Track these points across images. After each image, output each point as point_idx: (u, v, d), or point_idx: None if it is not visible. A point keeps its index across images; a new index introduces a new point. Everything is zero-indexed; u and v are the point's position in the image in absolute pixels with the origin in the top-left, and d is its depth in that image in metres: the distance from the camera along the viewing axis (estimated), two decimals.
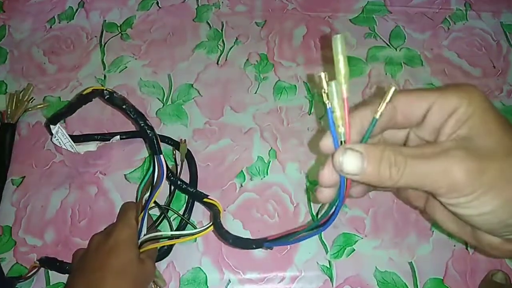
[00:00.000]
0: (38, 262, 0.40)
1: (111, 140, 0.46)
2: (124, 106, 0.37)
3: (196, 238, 0.41)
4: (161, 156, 0.37)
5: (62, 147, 0.44)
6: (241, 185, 0.44)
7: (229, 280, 0.40)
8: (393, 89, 0.23)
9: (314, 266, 0.40)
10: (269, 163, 0.45)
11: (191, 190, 0.41)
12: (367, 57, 0.51)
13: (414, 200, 0.29)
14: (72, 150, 0.44)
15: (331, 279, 0.40)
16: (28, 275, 0.40)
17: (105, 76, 0.51)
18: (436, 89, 0.24)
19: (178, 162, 0.44)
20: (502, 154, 0.22)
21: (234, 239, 0.34)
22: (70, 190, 0.44)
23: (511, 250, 0.25)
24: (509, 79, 0.49)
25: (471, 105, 0.23)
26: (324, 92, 0.22)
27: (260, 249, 0.40)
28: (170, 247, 0.41)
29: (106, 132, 0.47)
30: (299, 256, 0.40)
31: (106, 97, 0.36)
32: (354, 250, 0.41)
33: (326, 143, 0.24)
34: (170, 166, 0.42)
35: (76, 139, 0.45)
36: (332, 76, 0.22)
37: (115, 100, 0.37)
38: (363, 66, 0.50)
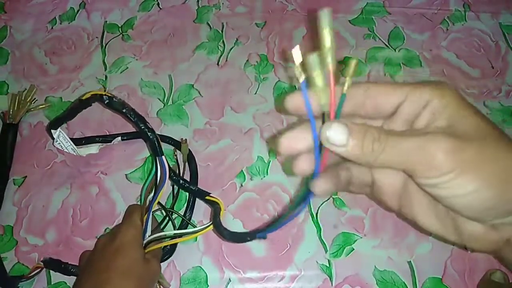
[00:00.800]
0: (42, 263, 0.40)
1: (113, 141, 0.46)
2: (124, 110, 0.37)
3: (197, 237, 0.41)
4: (163, 157, 0.38)
5: (64, 150, 0.44)
6: (241, 185, 0.44)
7: (229, 279, 0.40)
8: (355, 61, 0.23)
9: (314, 265, 0.40)
10: (269, 163, 0.45)
11: (194, 188, 0.42)
12: (366, 57, 0.51)
13: (389, 199, 0.28)
14: (74, 153, 0.45)
15: (331, 278, 0.40)
16: (30, 275, 0.40)
17: (106, 77, 0.51)
18: (409, 83, 0.25)
19: (180, 161, 0.44)
20: (479, 136, 0.22)
21: (229, 234, 0.35)
22: (72, 190, 0.45)
23: (495, 240, 0.24)
24: (507, 79, 0.49)
25: (445, 97, 0.23)
26: (298, 67, 0.22)
27: (260, 248, 0.41)
28: (174, 247, 0.41)
29: (108, 133, 0.47)
30: (298, 255, 0.41)
31: (105, 102, 0.37)
32: (354, 249, 0.41)
33: (293, 100, 0.25)
34: (171, 166, 0.42)
35: (78, 142, 0.45)
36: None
37: (114, 105, 0.37)
38: (362, 66, 0.50)
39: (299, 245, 0.41)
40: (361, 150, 0.23)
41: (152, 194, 0.40)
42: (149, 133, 0.37)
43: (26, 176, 0.46)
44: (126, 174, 0.45)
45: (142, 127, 0.37)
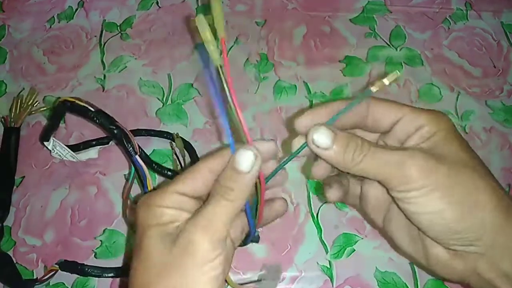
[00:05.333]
0: (57, 266, 0.40)
1: (110, 142, 0.46)
2: (89, 113, 0.36)
3: None
4: (137, 156, 0.37)
5: (64, 158, 0.44)
6: None
7: None
8: (397, 73, 0.24)
9: (314, 266, 0.40)
10: None
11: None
12: (367, 56, 0.51)
13: (373, 213, 0.29)
14: (74, 160, 0.45)
15: (331, 279, 0.40)
16: (45, 278, 0.39)
17: (104, 76, 0.51)
18: (409, 106, 0.26)
19: (179, 156, 0.44)
20: (452, 161, 0.24)
21: None
22: (70, 190, 0.44)
23: (461, 269, 0.25)
24: (509, 78, 0.49)
25: (437, 126, 0.25)
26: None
27: (260, 249, 0.41)
28: None
29: (105, 135, 0.47)
30: (299, 256, 0.40)
31: (68, 107, 0.36)
32: (354, 250, 0.41)
33: (304, 122, 0.27)
34: (172, 160, 0.42)
35: (75, 148, 0.45)
36: None
37: (75, 108, 0.36)
38: (363, 66, 0.50)
39: (299, 246, 0.41)
40: (343, 156, 0.24)
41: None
42: (116, 133, 0.36)
43: (24, 176, 0.45)
44: (124, 174, 0.45)
45: (110, 128, 0.36)
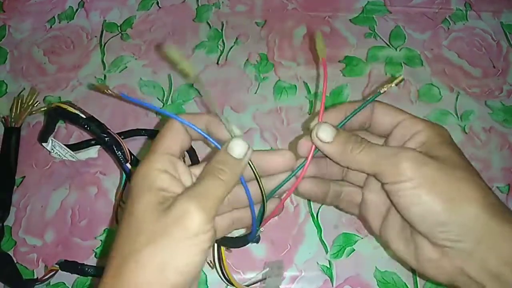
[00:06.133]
0: (57, 266, 0.40)
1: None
2: (80, 121, 0.36)
3: None
4: (127, 164, 0.36)
5: (63, 158, 0.44)
6: None
7: None
8: (402, 77, 0.28)
9: (314, 266, 0.40)
10: None
11: None
12: (367, 57, 0.51)
13: (372, 219, 0.31)
14: (74, 159, 0.45)
15: (331, 279, 0.40)
16: (45, 278, 0.39)
17: (105, 76, 0.51)
18: (409, 113, 0.29)
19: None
20: (444, 160, 0.25)
21: (221, 240, 0.34)
22: (70, 190, 0.44)
23: (449, 269, 0.26)
24: (509, 79, 0.49)
25: (433, 132, 0.27)
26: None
27: (260, 248, 0.41)
28: None
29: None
30: (299, 256, 0.40)
31: (60, 114, 0.36)
32: (354, 250, 0.41)
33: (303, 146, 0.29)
34: None
35: (75, 147, 0.45)
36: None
37: (68, 116, 0.36)
38: (363, 66, 0.50)
39: (299, 246, 0.41)
40: (343, 149, 0.27)
41: None
42: (107, 141, 0.36)
43: (24, 176, 0.46)
44: None
45: (100, 135, 0.36)
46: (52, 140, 0.42)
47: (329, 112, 0.29)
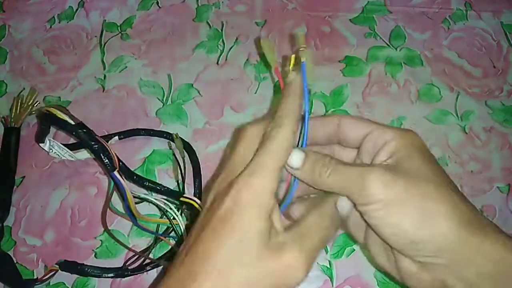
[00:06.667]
0: (57, 266, 0.40)
1: (109, 142, 0.46)
2: (67, 127, 0.35)
3: None
4: (115, 172, 0.35)
5: (63, 158, 0.44)
6: None
7: None
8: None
9: (314, 266, 0.40)
10: None
11: (163, 189, 0.40)
12: (367, 57, 0.51)
13: (354, 232, 0.30)
14: (73, 159, 0.45)
15: (331, 279, 0.40)
16: (45, 278, 0.39)
17: (105, 76, 0.51)
18: (378, 123, 0.28)
19: (179, 157, 0.44)
20: (413, 175, 0.25)
21: None
22: (70, 190, 0.44)
23: (429, 281, 0.25)
24: (509, 79, 0.49)
25: (402, 141, 0.26)
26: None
27: None
28: None
29: (106, 133, 0.47)
30: None
31: (49, 120, 0.35)
32: (354, 250, 0.41)
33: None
34: (171, 161, 0.42)
35: (74, 147, 0.45)
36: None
37: (56, 121, 0.35)
38: (363, 66, 0.50)
39: None
40: (312, 174, 0.26)
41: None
42: (96, 149, 0.35)
43: (24, 177, 0.45)
44: None
45: (91, 144, 0.35)
46: (50, 140, 0.42)
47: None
